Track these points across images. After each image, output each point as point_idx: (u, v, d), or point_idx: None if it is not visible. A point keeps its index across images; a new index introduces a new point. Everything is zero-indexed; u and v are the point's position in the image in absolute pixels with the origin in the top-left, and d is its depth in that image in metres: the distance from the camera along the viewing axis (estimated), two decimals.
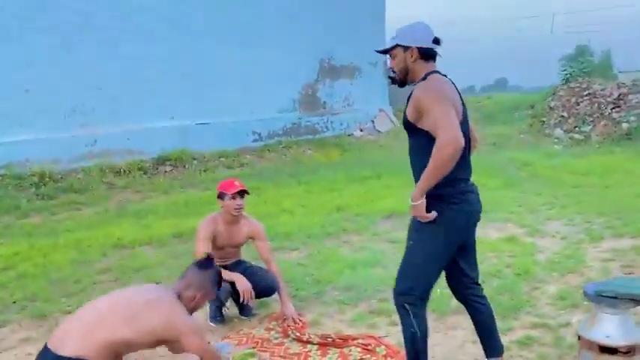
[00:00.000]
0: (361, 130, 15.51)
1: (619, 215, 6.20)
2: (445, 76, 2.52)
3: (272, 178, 10.05)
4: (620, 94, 15.05)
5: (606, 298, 2.57)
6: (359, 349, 3.13)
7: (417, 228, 2.50)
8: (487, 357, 2.72)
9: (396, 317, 2.67)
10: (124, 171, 10.00)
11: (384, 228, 6.22)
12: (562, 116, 15.37)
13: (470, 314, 2.75)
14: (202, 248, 3.50)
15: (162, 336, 2.26)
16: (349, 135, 15.08)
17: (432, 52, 2.50)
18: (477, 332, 2.76)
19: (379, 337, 3.29)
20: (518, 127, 15.62)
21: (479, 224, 2.64)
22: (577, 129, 14.74)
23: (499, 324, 3.39)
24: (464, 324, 3.34)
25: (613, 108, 14.73)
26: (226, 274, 3.46)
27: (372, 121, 15.96)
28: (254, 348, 3.17)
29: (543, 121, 15.49)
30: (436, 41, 2.50)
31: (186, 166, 10.97)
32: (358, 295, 4.08)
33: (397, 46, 2.49)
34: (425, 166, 2.30)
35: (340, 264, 4.76)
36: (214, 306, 3.71)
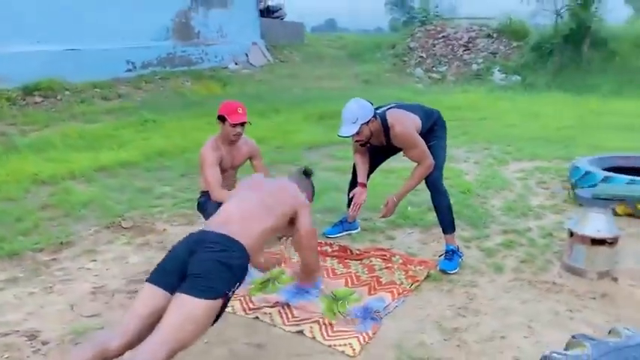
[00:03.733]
0: (236, 64, 15.16)
1: (508, 142, 7.19)
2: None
3: (162, 110, 9.51)
4: (469, 38, 16.72)
5: (598, 200, 3.15)
6: (379, 260, 3.39)
7: (436, 135, 3.45)
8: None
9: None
10: None
11: (313, 158, 6.42)
12: (421, 57, 16.64)
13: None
14: (213, 174, 3.38)
15: (291, 214, 2.49)
16: (224, 68, 14.66)
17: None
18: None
19: (389, 249, 3.58)
20: (382, 66, 16.56)
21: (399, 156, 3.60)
22: (434, 69, 16.13)
23: (474, 233, 3.94)
24: None
25: (464, 50, 16.36)
26: None
27: (246, 55, 15.66)
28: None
29: (405, 61, 16.64)
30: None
31: (59, 97, 9.84)
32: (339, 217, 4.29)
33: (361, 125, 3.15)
34: None
35: None
36: None
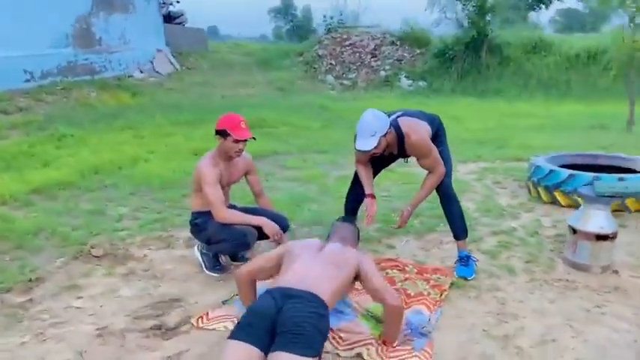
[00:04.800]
0: (141, 72, 14.32)
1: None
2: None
3: (77, 123, 8.68)
4: (375, 46, 17.22)
5: (600, 197, 3.29)
6: (395, 270, 3.28)
7: (441, 141, 3.38)
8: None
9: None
10: None
11: (266, 169, 6.17)
12: (331, 64, 16.85)
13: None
14: (215, 193, 3.09)
15: (355, 272, 2.51)
16: (129, 76, 13.78)
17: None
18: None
19: (397, 259, 3.48)
20: (294, 73, 16.53)
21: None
22: (344, 76, 16.40)
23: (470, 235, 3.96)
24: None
25: (372, 57, 16.81)
26: (252, 219, 3.16)
27: (151, 62, 14.86)
28: None
29: (315, 68, 16.74)
30: None
31: None
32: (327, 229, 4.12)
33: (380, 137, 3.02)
34: None
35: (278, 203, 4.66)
36: (210, 255, 3.33)
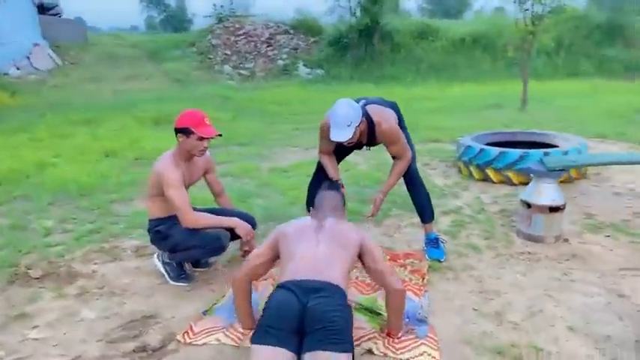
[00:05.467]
0: (18, 69, 12.94)
1: None
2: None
3: None
4: (270, 35, 17.04)
5: (550, 171, 3.49)
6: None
7: (403, 127, 3.32)
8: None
9: None
10: None
11: None
12: (226, 54, 16.41)
13: None
14: (182, 197, 2.83)
15: (359, 251, 2.40)
16: (5, 74, 12.41)
17: None
18: None
19: None
20: (188, 64, 15.89)
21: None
22: (242, 65, 16.07)
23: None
24: None
25: (267, 47, 16.62)
26: (224, 221, 2.94)
27: (28, 58, 13.48)
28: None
29: (210, 59, 16.22)
30: None
31: None
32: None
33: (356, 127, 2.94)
34: None
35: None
36: (174, 264, 3.07)
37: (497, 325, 2.56)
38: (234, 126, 8.44)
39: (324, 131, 3.23)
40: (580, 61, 14.78)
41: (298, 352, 1.90)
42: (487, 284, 2.98)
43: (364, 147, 3.39)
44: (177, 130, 2.90)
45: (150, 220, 3.04)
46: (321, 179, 3.51)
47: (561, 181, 4.63)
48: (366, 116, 3.09)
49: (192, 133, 2.85)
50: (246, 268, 2.39)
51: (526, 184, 4.75)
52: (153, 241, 3.07)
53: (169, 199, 2.84)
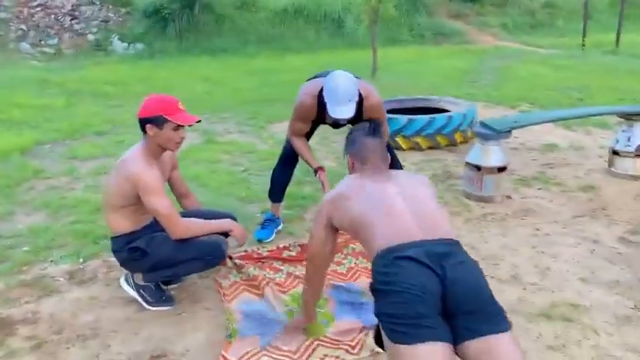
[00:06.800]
0: None
1: (231, 111, 7.08)
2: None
3: None
4: (73, 6, 14.93)
5: (501, 133, 3.63)
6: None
7: None
8: None
9: None
10: None
11: (55, 164, 4.88)
12: (21, 29, 13.97)
13: None
14: (168, 203, 2.30)
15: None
16: None
17: None
18: None
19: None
20: None
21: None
22: (43, 42, 13.86)
23: None
24: None
25: (72, 20, 14.55)
26: (217, 225, 2.45)
27: None
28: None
29: (1, 36, 13.64)
30: None
31: None
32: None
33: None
34: None
35: None
36: (152, 287, 2.50)
37: (523, 289, 2.60)
38: (76, 112, 7.27)
39: (305, 109, 2.90)
40: (398, 29, 15.91)
41: (452, 340, 1.49)
42: (478, 251, 2.99)
43: (345, 124, 3.12)
44: (146, 121, 2.31)
45: (117, 238, 2.41)
46: (287, 167, 3.20)
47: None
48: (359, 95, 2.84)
49: (167, 121, 2.30)
50: (327, 246, 1.94)
51: (433, 148, 5.00)
52: (125, 263, 2.45)
53: (151, 209, 2.28)
